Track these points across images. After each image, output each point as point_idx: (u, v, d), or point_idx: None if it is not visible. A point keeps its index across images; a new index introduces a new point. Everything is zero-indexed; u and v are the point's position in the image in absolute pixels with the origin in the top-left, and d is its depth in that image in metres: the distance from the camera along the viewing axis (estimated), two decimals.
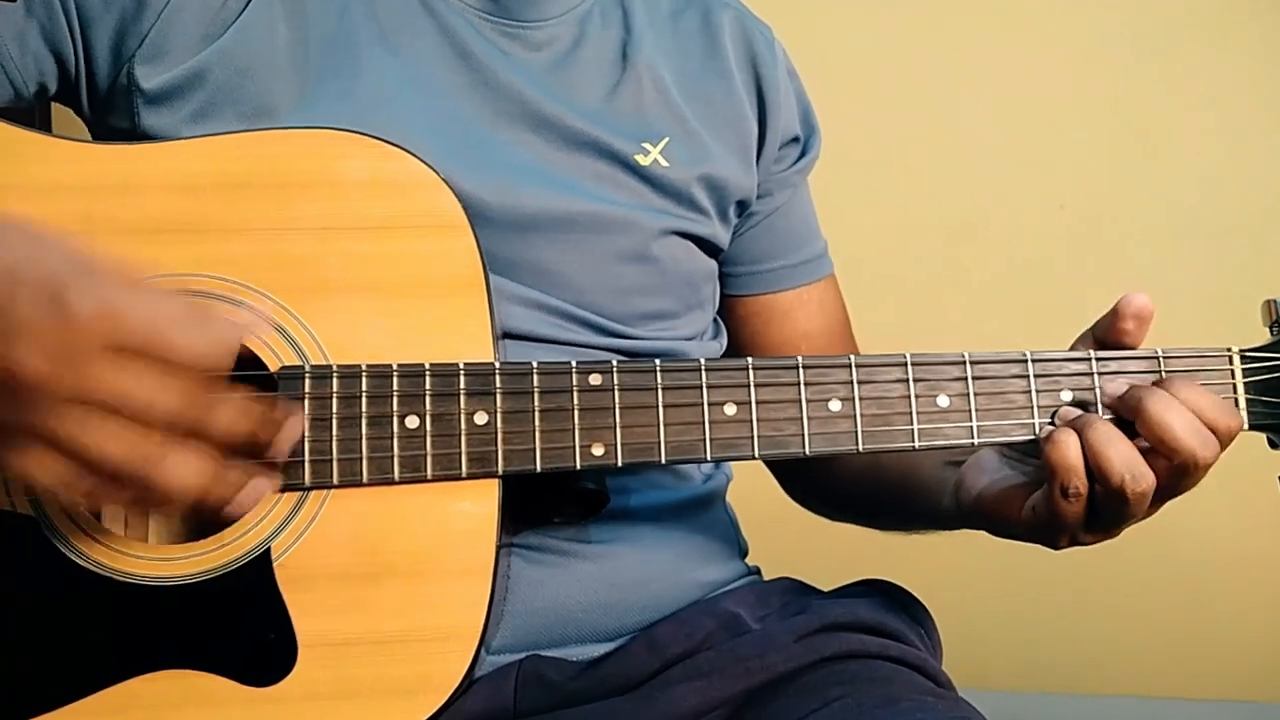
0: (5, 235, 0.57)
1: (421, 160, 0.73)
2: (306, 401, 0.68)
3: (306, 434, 0.68)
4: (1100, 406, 0.73)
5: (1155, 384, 0.72)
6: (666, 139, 0.87)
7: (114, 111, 0.81)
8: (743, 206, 0.93)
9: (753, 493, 1.01)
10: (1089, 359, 0.74)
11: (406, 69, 0.82)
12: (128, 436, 0.57)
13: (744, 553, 0.93)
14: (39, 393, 0.55)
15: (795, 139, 0.97)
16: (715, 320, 0.97)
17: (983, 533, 0.80)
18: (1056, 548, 0.75)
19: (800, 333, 0.99)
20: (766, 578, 0.91)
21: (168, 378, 0.57)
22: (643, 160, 0.85)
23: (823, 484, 1.00)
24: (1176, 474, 0.70)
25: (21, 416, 0.56)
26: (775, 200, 0.97)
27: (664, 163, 0.86)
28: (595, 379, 0.71)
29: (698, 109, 0.90)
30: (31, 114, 1.28)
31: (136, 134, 0.79)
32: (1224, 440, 0.71)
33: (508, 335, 0.79)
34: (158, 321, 0.56)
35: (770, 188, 0.96)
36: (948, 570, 1.36)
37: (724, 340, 0.97)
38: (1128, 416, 0.72)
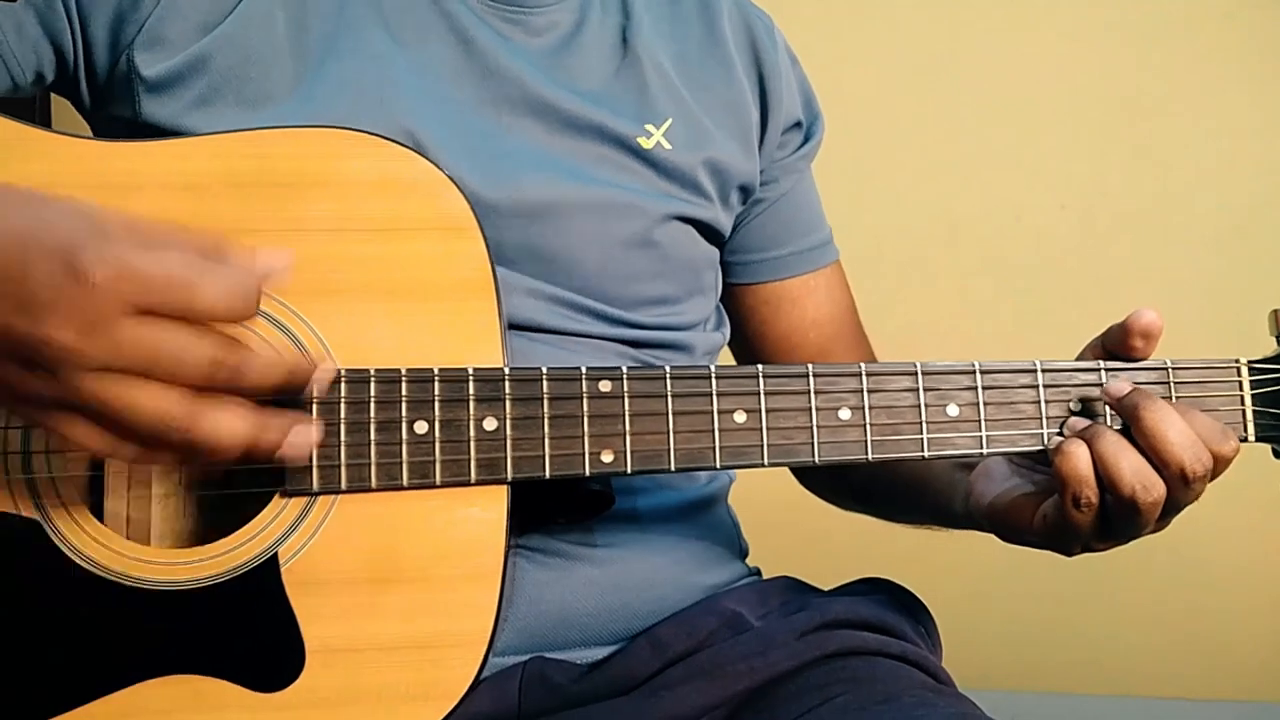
0: (9, 200, 0.56)
1: (430, 161, 0.73)
2: (314, 406, 0.68)
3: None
4: (1108, 417, 0.74)
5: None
6: (669, 120, 0.87)
7: (114, 100, 0.81)
8: (746, 192, 0.93)
9: (754, 495, 1.01)
10: (1098, 369, 0.75)
11: (407, 56, 0.82)
12: (165, 395, 0.56)
13: (744, 554, 0.93)
14: (70, 363, 0.54)
15: (798, 124, 0.97)
16: (718, 309, 0.97)
17: (983, 533, 0.81)
18: (1069, 555, 0.75)
19: (809, 320, 0.99)
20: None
21: (195, 332, 0.56)
22: (645, 143, 0.85)
23: (838, 477, 1.00)
24: (1172, 486, 0.70)
25: (56, 389, 0.55)
26: (781, 186, 0.97)
27: (667, 145, 0.86)
28: (605, 385, 0.71)
29: (698, 94, 0.90)
30: (32, 110, 1.28)
31: (138, 123, 0.79)
32: (1220, 462, 0.71)
33: (511, 326, 0.78)
34: (176, 276, 0.55)
35: (775, 174, 0.96)
36: (948, 570, 1.36)
37: (726, 331, 0.97)
38: (1125, 419, 0.72)
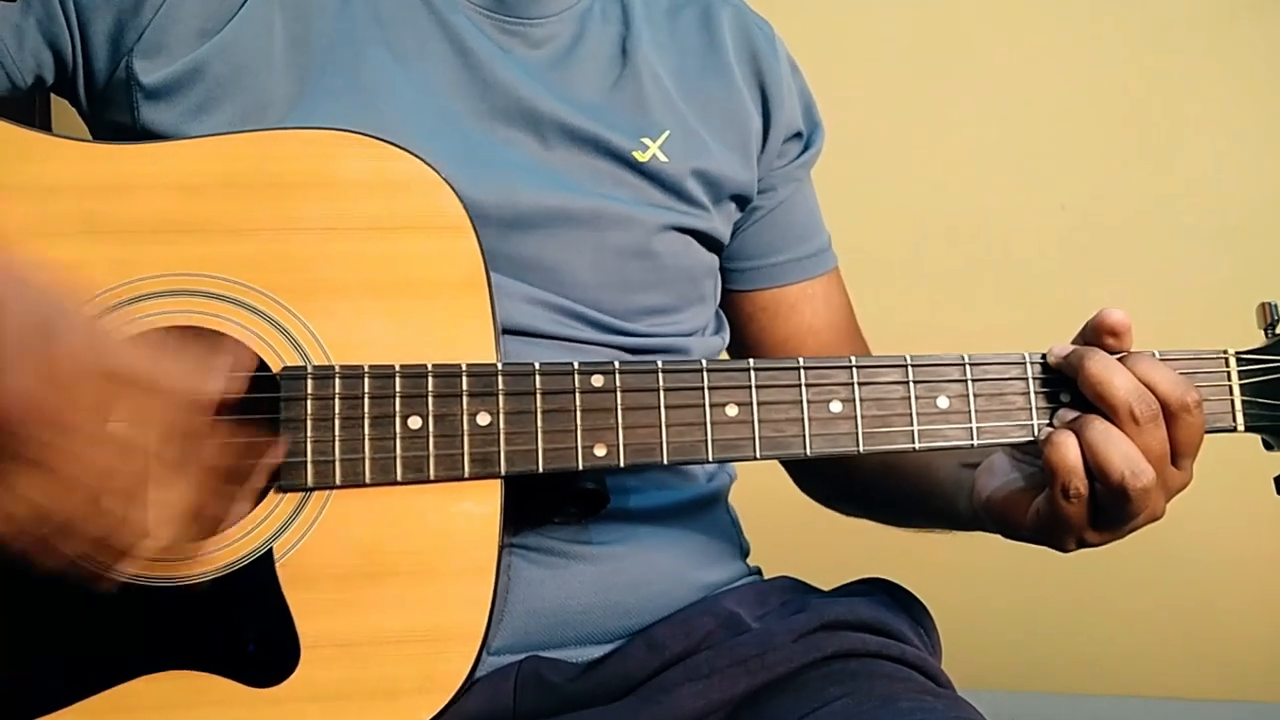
0: None
1: (423, 160, 0.73)
2: (309, 402, 0.69)
3: (309, 434, 0.68)
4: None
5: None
6: (667, 132, 0.87)
7: (113, 106, 0.81)
8: (743, 202, 0.94)
9: (755, 494, 1.01)
10: None
11: (406, 67, 0.83)
12: (111, 465, 0.56)
13: (745, 554, 0.93)
14: (26, 416, 0.54)
15: (798, 134, 0.97)
16: (717, 314, 0.97)
17: (983, 533, 0.81)
18: (1064, 550, 0.75)
19: (806, 327, 1.00)
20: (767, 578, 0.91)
21: (154, 407, 0.56)
22: (641, 156, 0.86)
23: (841, 483, 1.00)
24: (1131, 434, 0.71)
25: (6, 440, 0.54)
26: (779, 194, 0.97)
27: (663, 158, 0.86)
28: (597, 380, 0.71)
29: (696, 107, 0.90)
30: (31, 113, 1.28)
31: (136, 129, 0.79)
32: (1174, 409, 0.71)
33: (508, 331, 0.79)
34: (145, 350, 0.56)
35: (774, 182, 0.96)
36: (948, 570, 1.36)
37: (726, 336, 0.97)
38: (1070, 375, 0.73)
